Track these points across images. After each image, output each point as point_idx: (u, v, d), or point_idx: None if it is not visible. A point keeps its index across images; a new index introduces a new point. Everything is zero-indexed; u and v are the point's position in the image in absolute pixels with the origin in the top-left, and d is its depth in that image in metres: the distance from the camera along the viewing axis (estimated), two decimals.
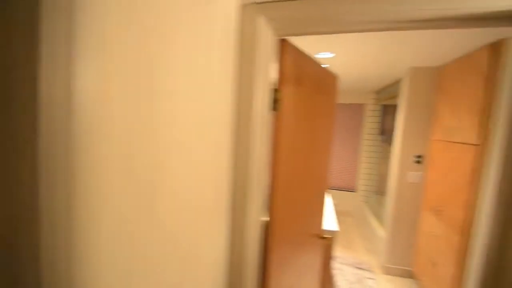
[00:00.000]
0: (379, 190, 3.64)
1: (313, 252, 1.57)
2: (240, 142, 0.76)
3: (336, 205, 4.56)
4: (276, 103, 0.86)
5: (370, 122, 4.23)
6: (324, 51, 2.12)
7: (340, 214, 4.54)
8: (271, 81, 0.84)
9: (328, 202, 2.38)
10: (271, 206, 0.93)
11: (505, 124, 1.56)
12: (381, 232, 3.04)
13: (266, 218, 0.96)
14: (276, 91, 0.86)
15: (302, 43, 1.96)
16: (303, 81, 1.01)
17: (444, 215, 2.10)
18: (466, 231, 1.82)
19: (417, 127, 2.53)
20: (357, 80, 3.30)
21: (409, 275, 2.71)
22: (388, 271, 2.75)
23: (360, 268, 2.83)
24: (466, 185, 1.83)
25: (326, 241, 1.82)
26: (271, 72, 0.82)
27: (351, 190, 4.52)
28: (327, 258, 1.90)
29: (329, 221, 1.95)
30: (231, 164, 0.77)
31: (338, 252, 3.19)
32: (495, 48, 1.65)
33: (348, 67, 2.64)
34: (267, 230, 0.96)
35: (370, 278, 2.66)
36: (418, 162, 2.56)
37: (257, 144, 0.80)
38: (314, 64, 1.13)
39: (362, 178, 4.38)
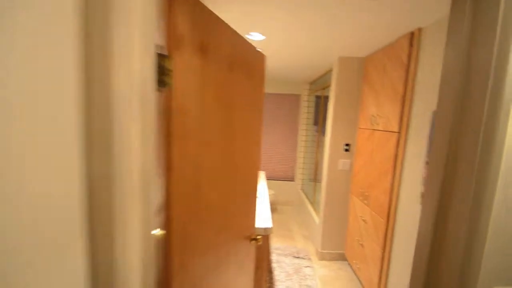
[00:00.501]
0: (315, 178, 3.75)
1: (245, 255, 1.39)
2: (95, 136, 0.49)
3: (275, 195, 4.59)
4: (164, 76, 0.61)
5: (305, 113, 4.32)
6: (254, 30, 1.93)
7: (280, 203, 4.59)
8: (154, 44, 0.58)
9: (264, 196, 2.26)
10: (167, 215, 0.69)
11: (421, 112, 1.64)
12: (316, 219, 3.12)
13: (162, 232, 0.71)
14: (162, 58, 0.61)
15: (229, 20, 1.73)
16: (211, 50, 0.77)
17: (370, 199, 2.20)
18: (389, 214, 1.92)
19: (346, 116, 2.61)
20: (291, 69, 3.26)
21: (342, 258, 2.84)
22: (323, 257, 2.83)
23: (298, 257, 2.85)
24: (388, 171, 1.92)
25: (260, 241, 1.68)
26: (152, 30, 0.57)
27: (290, 179, 4.60)
28: (263, 256, 1.76)
29: (264, 218, 1.81)
30: (82, 172, 0.49)
31: (278, 243, 3.16)
32: (413, 37, 1.71)
33: (280, 53, 2.53)
34: (166, 248, 0.72)
35: (307, 267, 2.69)
36: (347, 150, 2.65)
37: (131, 134, 0.53)
38: (229, 31, 0.91)
39: (299, 167, 4.48)
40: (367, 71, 2.38)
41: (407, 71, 1.77)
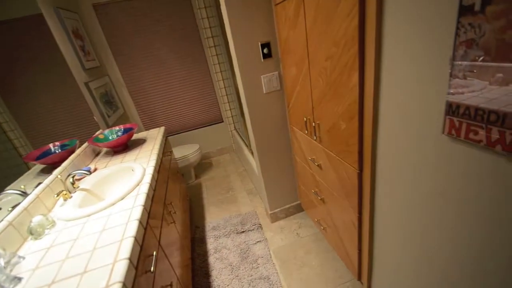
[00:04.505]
0: (242, 110, 2.69)
1: None
2: None
3: (202, 148, 3.51)
4: None
5: (205, 18, 2.88)
6: None
7: (214, 155, 3.58)
8: None
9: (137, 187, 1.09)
10: None
11: None
12: (255, 167, 2.20)
13: None
14: None
15: None
16: None
17: (321, 132, 1.23)
18: (362, 158, 0.98)
19: None
20: None
21: (299, 209, 2.09)
22: (276, 217, 2.04)
23: (244, 231, 2.01)
24: (350, 70, 0.88)
25: None
26: None
27: (218, 121, 3.48)
28: None
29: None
30: None
31: (215, 217, 2.26)
32: None
33: None
34: None
35: (257, 242, 1.88)
36: (268, 55, 1.52)
37: None
38: None
39: (223, 102, 3.33)
40: None
41: None
